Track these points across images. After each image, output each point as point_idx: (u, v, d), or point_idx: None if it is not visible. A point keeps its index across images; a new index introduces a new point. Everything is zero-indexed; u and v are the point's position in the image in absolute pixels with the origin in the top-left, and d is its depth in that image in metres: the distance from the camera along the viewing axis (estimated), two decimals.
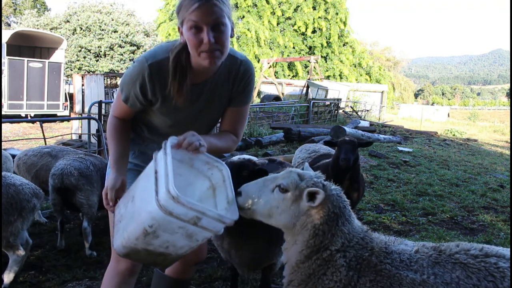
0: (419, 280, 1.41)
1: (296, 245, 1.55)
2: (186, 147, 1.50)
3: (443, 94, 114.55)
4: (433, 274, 1.42)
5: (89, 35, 27.27)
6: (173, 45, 1.66)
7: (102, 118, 7.00)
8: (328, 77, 35.10)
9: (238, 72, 1.76)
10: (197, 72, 1.68)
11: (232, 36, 1.62)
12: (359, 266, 1.48)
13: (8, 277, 2.81)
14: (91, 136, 7.14)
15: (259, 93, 26.45)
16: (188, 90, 1.66)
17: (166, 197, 1.30)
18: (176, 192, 1.30)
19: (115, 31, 27.70)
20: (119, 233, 1.50)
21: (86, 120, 7.18)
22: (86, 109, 12.70)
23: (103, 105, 7.60)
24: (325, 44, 37.87)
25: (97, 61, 27.19)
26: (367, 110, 24.20)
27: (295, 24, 37.54)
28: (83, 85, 15.48)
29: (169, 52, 1.63)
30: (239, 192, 1.60)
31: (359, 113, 21.85)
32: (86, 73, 23.89)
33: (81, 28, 27.32)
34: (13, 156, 4.43)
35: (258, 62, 33.75)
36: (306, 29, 37.14)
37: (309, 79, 25.00)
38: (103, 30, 27.51)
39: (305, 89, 24.19)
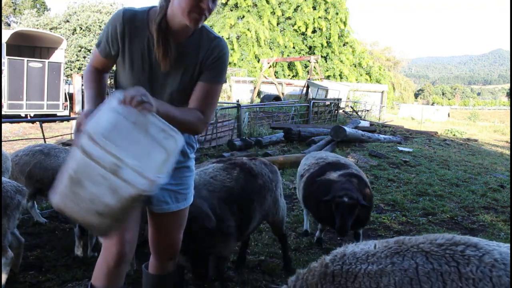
0: (375, 270, 1.36)
1: None
2: (128, 101, 1.39)
3: (443, 94, 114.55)
4: (391, 263, 1.36)
5: (89, 35, 27.26)
6: (148, 8, 1.74)
7: None
8: (328, 77, 35.10)
9: (210, 45, 1.78)
10: (174, 33, 1.71)
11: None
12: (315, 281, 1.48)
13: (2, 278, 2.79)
14: None
15: (259, 93, 26.43)
16: (173, 53, 1.69)
17: (86, 138, 1.31)
18: (92, 130, 1.31)
19: None
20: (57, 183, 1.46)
21: None
22: None
23: None
24: (325, 44, 37.88)
25: None
26: (367, 110, 24.20)
27: (295, 24, 37.55)
28: (83, 85, 15.47)
29: (145, 12, 1.71)
30: None
31: (359, 113, 21.85)
32: None
33: (81, 28, 27.32)
34: None
35: (258, 62, 33.76)
36: (306, 29, 37.16)
37: (309, 79, 25.00)
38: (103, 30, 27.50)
39: (305, 89, 24.20)
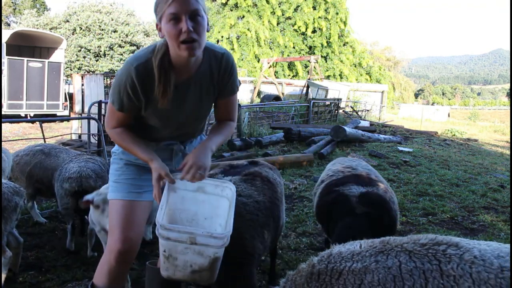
0: (359, 267, 1.40)
1: None
2: (191, 180, 1.72)
3: (443, 94, 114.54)
4: (375, 261, 1.40)
5: (88, 35, 27.26)
6: (154, 46, 1.73)
7: (102, 118, 6.99)
8: (328, 77, 35.10)
9: (221, 65, 1.82)
10: (179, 70, 1.73)
11: (208, 31, 1.70)
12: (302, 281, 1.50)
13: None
14: (91, 136, 7.13)
15: (259, 93, 26.43)
16: (171, 92, 1.73)
17: (159, 227, 1.62)
18: (163, 223, 1.63)
19: (115, 31, 27.69)
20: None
21: (86, 120, 7.16)
22: (86, 109, 12.69)
23: (103, 105, 7.59)
24: (325, 44, 37.88)
25: (97, 61, 27.18)
26: (367, 110, 24.19)
27: (295, 24, 37.55)
28: (82, 85, 15.47)
29: (151, 53, 1.70)
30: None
31: (359, 113, 21.85)
32: (86, 73, 23.88)
33: (81, 28, 27.32)
34: None
35: (258, 62, 33.76)
36: (306, 29, 37.15)
37: (309, 79, 25.00)
38: (102, 30, 27.50)
39: (305, 89, 24.19)
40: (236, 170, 2.70)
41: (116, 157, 2.01)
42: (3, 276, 2.78)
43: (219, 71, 1.83)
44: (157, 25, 1.68)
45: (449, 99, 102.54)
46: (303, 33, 38.03)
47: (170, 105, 1.76)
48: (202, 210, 1.87)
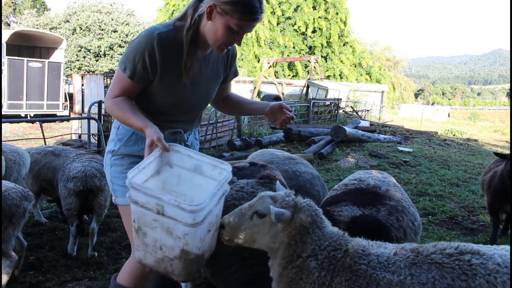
0: (396, 281, 1.46)
1: (276, 259, 1.65)
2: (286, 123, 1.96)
3: (443, 94, 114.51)
4: (410, 275, 1.46)
5: (88, 35, 27.25)
6: (171, 22, 1.73)
7: (102, 118, 6.99)
8: (328, 77, 35.09)
9: (229, 49, 1.92)
10: (202, 47, 1.79)
11: None
12: (332, 267, 1.55)
13: (2, 280, 2.79)
14: (91, 136, 7.13)
15: (259, 93, 26.41)
16: (198, 64, 1.76)
17: (130, 187, 1.47)
18: (132, 180, 1.45)
19: (115, 31, 27.68)
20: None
21: (86, 120, 7.17)
22: (86, 109, 12.69)
23: (103, 105, 7.60)
24: (325, 44, 37.86)
25: (97, 61, 27.17)
26: (367, 110, 24.19)
27: (295, 24, 37.52)
28: (82, 85, 15.47)
29: (172, 25, 1.71)
30: (222, 226, 1.70)
31: (359, 113, 21.84)
32: (86, 73, 23.89)
33: (81, 28, 27.31)
34: None
35: (258, 62, 33.75)
36: (306, 29, 37.13)
37: (309, 79, 25.00)
38: (103, 30, 27.49)
39: (305, 89, 24.19)
40: (245, 173, 2.59)
41: (117, 157, 1.86)
42: (6, 277, 2.78)
43: (228, 55, 1.93)
44: (212, 7, 1.61)
45: (449, 99, 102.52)
46: (303, 33, 38.01)
47: (186, 82, 1.76)
48: (198, 197, 1.67)
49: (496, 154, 4.22)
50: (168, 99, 1.80)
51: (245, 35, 1.74)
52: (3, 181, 2.91)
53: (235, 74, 2.07)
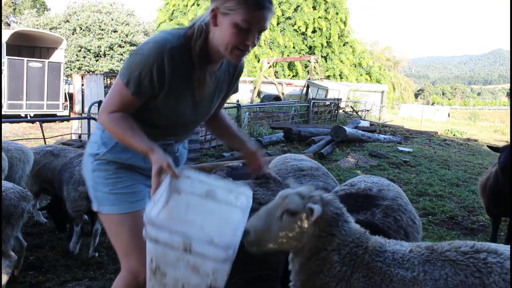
0: (409, 277, 1.49)
1: (301, 252, 1.63)
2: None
3: (443, 94, 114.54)
4: (423, 272, 1.49)
5: (88, 35, 27.26)
6: (182, 32, 1.56)
7: None
8: (328, 77, 35.09)
9: (237, 65, 1.79)
10: (212, 62, 1.63)
11: None
12: (352, 263, 1.57)
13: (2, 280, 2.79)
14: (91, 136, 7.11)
15: (259, 93, 26.42)
16: (210, 79, 1.61)
17: (147, 223, 1.28)
18: (151, 216, 1.26)
19: (115, 31, 27.69)
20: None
21: (86, 120, 7.17)
22: (86, 109, 12.69)
23: None
24: (325, 44, 37.87)
25: (97, 61, 27.18)
26: (367, 110, 24.18)
27: (295, 24, 37.53)
28: (82, 85, 15.48)
29: (183, 37, 1.54)
30: (246, 231, 1.58)
31: (359, 113, 21.84)
32: (86, 73, 23.89)
33: (81, 28, 27.31)
34: None
35: (258, 62, 33.76)
36: (306, 29, 37.15)
37: (309, 79, 25.01)
38: (103, 30, 27.50)
39: (305, 89, 24.20)
40: (240, 173, 2.55)
41: (101, 162, 1.69)
42: (6, 277, 2.78)
43: (235, 71, 1.80)
44: (215, 10, 1.48)
45: (449, 99, 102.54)
46: (303, 33, 38.02)
47: (195, 99, 1.62)
48: (209, 223, 1.51)
49: (490, 147, 4.16)
50: (169, 115, 1.67)
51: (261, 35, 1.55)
52: (2, 181, 2.91)
53: (235, 91, 1.91)
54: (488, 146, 4.21)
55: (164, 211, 1.47)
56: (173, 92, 1.58)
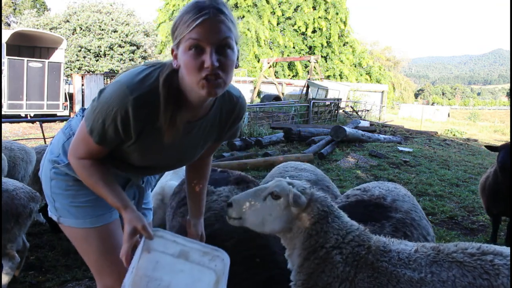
0: (416, 278, 1.46)
1: (296, 249, 1.63)
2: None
3: (443, 94, 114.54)
4: (430, 273, 1.46)
5: (89, 35, 27.26)
6: (155, 74, 1.36)
7: None
8: (328, 77, 35.12)
9: (234, 111, 1.56)
10: (189, 107, 1.40)
11: (237, 67, 1.35)
12: (356, 263, 1.55)
13: (3, 282, 2.79)
14: None
15: (259, 93, 26.43)
16: (181, 124, 1.39)
17: None
18: None
19: (115, 31, 27.69)
20: None
21: None
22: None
23: None
24: (325, 44, 37.90)
25: (97, 61, 27.19)
26: (367, 110, 24.20)
27: (295, 24, 37.57)
28: (82, 85, 15.50)
29: (150, 83, 1.34)
30: (229, 203, 1.66)
31: (359, 113, 21.85)
32: (86, 73, 23.89)
33: (81, 28, 27.32)
34: None
35: (258, 62, 33.76)
36: (306, 29, 37.18)
37: (309, 79, 25.03)
38: (103, 30, 27.50)
39: (305, 89, 24.21)
40: (214, 178, 2.51)
41: (58, 171, 1.55)
42: (8, 278, 2.78)
43: (230, 117, 1.56)
44: (172, 51, 1.32)
45: (449, 99, 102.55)
46: (303, 33, 38.04)
47: (172, 139, 1.43)
48: (177, 282, 1.43)
49: (487, 147, 4.18)
50: (142, 160, 1.51)
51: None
52: (12, 180, 2.93)
53: (232, 136, 1.71)
54: (486, 146, 4.22)
55: (133, 275, 1.40)
56: (142, 141, 1.42)
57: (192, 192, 1.77)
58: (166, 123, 1.35)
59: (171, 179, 3.76)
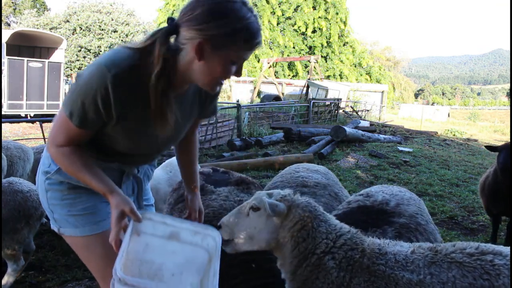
0: (415, 280, 1.42)
1: (286, 258, 1.61)
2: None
3: (443, 94, 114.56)
4: (430, 274, 1.43)
5: (89, 35, 27.29)
6: (133, 52, 1.33)
7: None
8: (328, 77, 35.12)
9: None
10: (176, 88, 1.43)
11: None
12: (350, 268, 1.51)
13: (5, 284, 2.79)
14: None
15: (259, 93, 26.44)
16: (173, 118, 1.40)
17: (116, 281, 1.20)
18: (121, 275, 1.19)
19: (115, 31, 27.72)
20: None
21: None
22: None
23: None
24: (325, 44, 37.92)
25: None
26: (367, 110, 24.20)
27: (295, 24, 37.58)
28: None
29: (137, 59, 1.31)
30: (219, 226, 1.66)
31: (359, 113, 21.85)
32: None
33: (81, 28, 27.34)
34: None
35: (258, 62, 33.77)
36: (306, 29, 37.20)
37: (309, 79, 25.03)
38: (103, 30, 27.52)
39: (305, 89, 24.21)
40: (214, 179, 2.51)
41: (52, 181, 1.53)
42: (12, 280, 2.78)
43: (208, 93, 1.58)
44: (202, 43, 1.27)
45: (449, 99, 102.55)
46: (303, 33, 38.05)
47: (165, 130, 1.42)
48: (170, 263, 1.41)
49: (487, 147, 4.15)
50: (128, 144, 1.47)
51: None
52: (25, 182, 2.93)
53: (213, 113, 1.73)
54: (486, 147, 4.20)
55: (123, 258, 1.36)
56: (125, 123, 1.39)
57: (186, 169, 1.81)
58: (159, 115, 1.35)
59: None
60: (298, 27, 37.29)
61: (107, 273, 1.51)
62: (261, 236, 1.61)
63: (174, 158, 3.53)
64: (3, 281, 2.78)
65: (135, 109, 1.37)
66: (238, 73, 1.38)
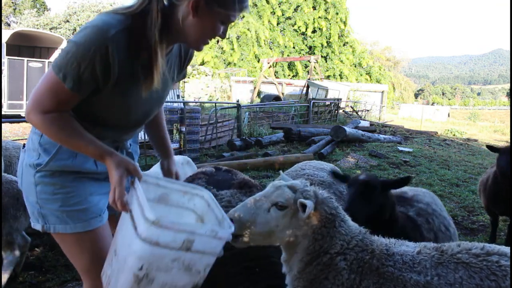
0: (423, 282, 1.41)
1: (296, 254, 1.55)
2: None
3: (443, 94, 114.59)
4: (437, 275, 1.41)
5: None
6: (126, 12, 1.34)
7: None
8: (328, 77, 35.14)
9: (189, 50, 1.67)
10: (170, 42, 1.47)
11: None
12: (360, 269, 1.48)
13: (3, 278, 2.80)
14: None
15: (259, 93, 26.44)
16: (162, 67, 1.42)
17: (146, 226, 1.14)
18: (155, 216, 1.15)
19: None
20: None
21: None
22: None
23: None
24: (325, 44, 37.94)
25: None
26: (367, 110, 24.21)
27: (295, 24, 37.61)
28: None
29: (124, 22, 1.32)
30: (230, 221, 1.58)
31: (359, 113, 21.86)
32: None
33: None
34: None
35: (258, 62, 33.79)
36: (306, 29, 37.23)
37: (309, 79, 25.05)
38: None
39: (305, 89, 24.22)
40: (216, 179, 2.46)
41: (45, 174, 1.45)
42: (7, 275, 2.79)
43: (187, 55, 1.66)
44: (198, 1, 1.32)
45: (449, 99, 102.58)
46: (303, 33, 38.07)
47: (156, 83, 1.42)
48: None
49: (488, 147, 4.11)
50: (116, 110, 1.46)
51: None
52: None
53: (183, 76, 1.77)
54: (487, 146, 4.18)
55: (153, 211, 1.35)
56: (121, 84, 1.37)
57: (157, 138, 1.81)
58: (158, 64, 1.37)
59: None
60: (298, 27, 37.31)
61: (93, 269, 1.52)
62: (282, 234, 1.52)
63: None
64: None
65: (132, 68, 1.38)
66: (224, 34, 1.44)
